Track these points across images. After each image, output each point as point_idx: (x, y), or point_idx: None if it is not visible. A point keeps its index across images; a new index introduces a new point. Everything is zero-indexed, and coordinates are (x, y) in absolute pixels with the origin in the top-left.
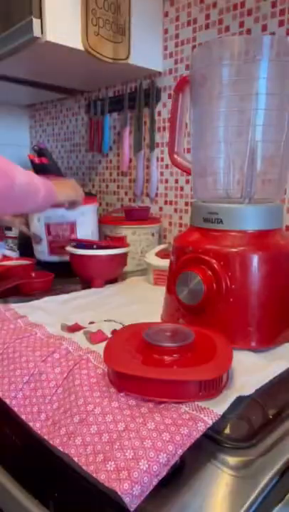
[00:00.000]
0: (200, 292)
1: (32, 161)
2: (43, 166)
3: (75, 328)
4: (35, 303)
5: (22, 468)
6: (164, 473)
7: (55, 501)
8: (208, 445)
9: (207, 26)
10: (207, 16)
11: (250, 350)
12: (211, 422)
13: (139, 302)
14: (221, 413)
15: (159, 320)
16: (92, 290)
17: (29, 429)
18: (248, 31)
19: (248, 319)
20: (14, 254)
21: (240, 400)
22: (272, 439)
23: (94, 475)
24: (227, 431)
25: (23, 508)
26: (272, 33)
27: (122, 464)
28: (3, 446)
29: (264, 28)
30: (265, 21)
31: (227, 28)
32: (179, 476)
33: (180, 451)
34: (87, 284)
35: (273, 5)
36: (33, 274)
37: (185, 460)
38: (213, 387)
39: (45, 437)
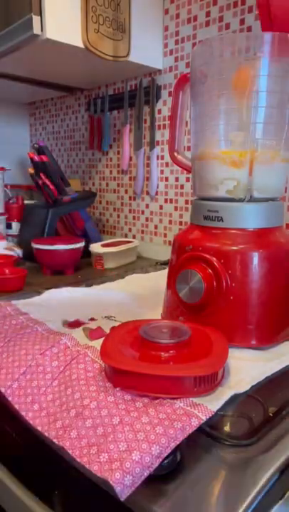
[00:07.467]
0: (200, 290)
1: (32, 159)
2: (43, 164)
3: (75, 325)
4: (37, 300)
5: (23, 466)
6: (156, 464)
7: (56, 499)
8: (208, 442)
9: (207, 23)
10: (207, 13)
11: (250, 348)
12: (204, 418)
13: (140, 299)
14: (215, 410)
15: (159, 318)
16: (94, 287)
17: (30, 428)
18: (249, 28)
19: (248, 317)
20: (15, 252)
21: (239, 397)
22: (272, 437)
23: (87, 466)
24: (227, 428)
25: (24, 506)
26: None
27: (115, 456)
28: (4, 444)
29: None
30: None
31: (227, 26)
32: (178, 474)
33: (173, 445)
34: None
35: None
36: (7, 271)
37: (185, 457)
38: (208, 384)
39: (39, 428)
